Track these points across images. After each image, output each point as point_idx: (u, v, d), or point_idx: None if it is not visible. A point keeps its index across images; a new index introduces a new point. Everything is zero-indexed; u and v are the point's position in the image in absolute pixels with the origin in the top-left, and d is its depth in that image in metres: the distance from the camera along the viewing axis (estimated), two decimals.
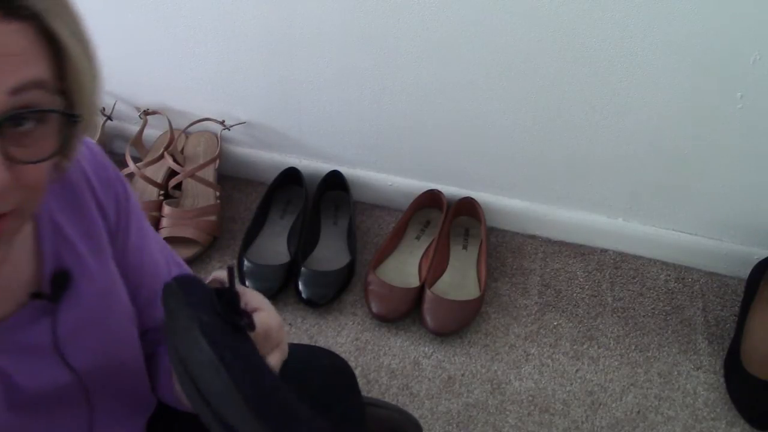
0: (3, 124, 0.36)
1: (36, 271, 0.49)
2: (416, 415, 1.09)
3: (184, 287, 0.48)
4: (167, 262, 0.64)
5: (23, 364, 0.48)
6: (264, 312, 0.52)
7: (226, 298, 0.50)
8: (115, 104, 1.43)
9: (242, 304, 0.52)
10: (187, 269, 0.68)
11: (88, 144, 0.54)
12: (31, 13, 0.37)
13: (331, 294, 1.25)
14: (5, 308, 0.47)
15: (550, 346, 1.22)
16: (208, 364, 0.43)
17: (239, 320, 0.49)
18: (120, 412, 0.58)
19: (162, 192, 1.38)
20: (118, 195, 0.56)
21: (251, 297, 0.53)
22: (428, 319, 1.20)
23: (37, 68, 0.38)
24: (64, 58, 0.40)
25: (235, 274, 0.54)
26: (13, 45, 0.36)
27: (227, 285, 0.51)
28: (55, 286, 0.49)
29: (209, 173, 1.40)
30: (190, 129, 1.42)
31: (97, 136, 1.43)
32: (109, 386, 0.55)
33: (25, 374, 0.48)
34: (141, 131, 1.42)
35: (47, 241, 0.50)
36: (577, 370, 1.19)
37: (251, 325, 0.50)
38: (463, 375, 1.18)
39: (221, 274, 0.52)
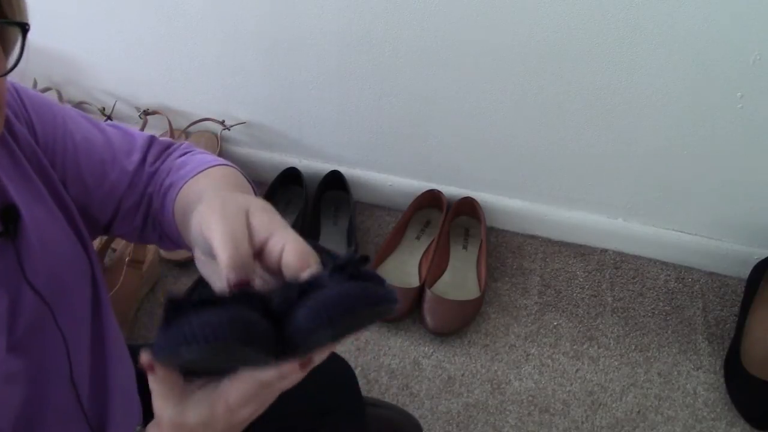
0: None
1: None
2: (416, 415, 1.09)
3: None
4: (102, 133, 0.62)
5: (6, 300, 0.49)
6: (290, 245, 0.39)
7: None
8: (115, 104, 1.43)
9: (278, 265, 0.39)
10: (136, 135, 0.65)
11: None
12: None
13: None
14: None
15: (550, 346, 1.22)
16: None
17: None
18: (89, 337, 0.59)
19: None
20: (26, 118, 0.57)
21: (275, 242, 0.39)
22: (428, 319, 1.20)
23: None
24: None
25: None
26: None
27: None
28: (6, 221, 0.51)
29: None
30: (190, 129, 1.42)
31: None
32: (72, 310, 0.56)
33: (11, 310, 0.50)
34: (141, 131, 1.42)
35: None
36: (577, 370, 1.19)
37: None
38: (463, 375, 1.18)
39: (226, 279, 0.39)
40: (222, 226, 0.39)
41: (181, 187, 0.57)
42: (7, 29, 0.44)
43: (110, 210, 0.62)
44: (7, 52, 0.45)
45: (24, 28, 0.44)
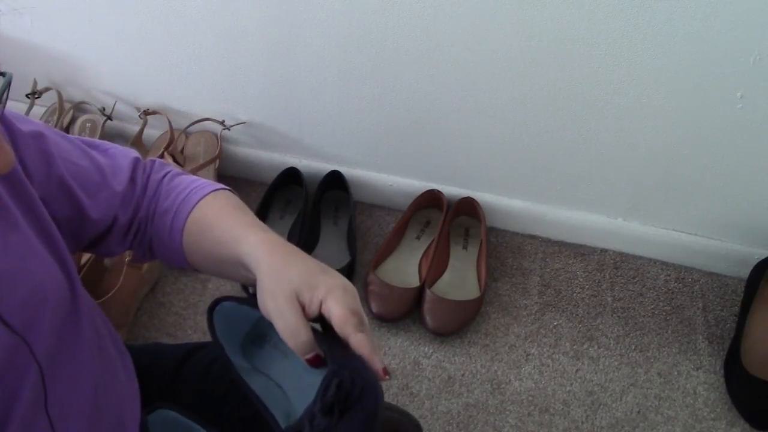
0: None
1: None
2: (416, 415, 1.09)
3: None
4: (88, 157, 0.63)
5: None
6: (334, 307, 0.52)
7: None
8: (115, 104, 1.43)
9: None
10: (120, 156, 0.67)
11: None
12: None
13: None
14: None
15: (550, 346, 1.22)
16: None
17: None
18: (70, 362, 0.56)
19: None
20: (10, 132, 0.56)
21: (324, 309, 0.52)
22: (428, 319, 1.20)
23: None
24: None
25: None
26: None
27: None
28: None
29: (209, 173, 1.40)
30: (190, 129, 1.42)
31: (98, 136, 1.43)
32: (49, 337, 0.53)
33: None
34: (141, 131, 1.42)
35: None
36: (577, 370, 1.19)
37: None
38: (463, 375, 1.18)
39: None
40: (281, 323, 0.51)
41: (188, 214, 0.62)
42: None
43: (103, 226, 0.63)
44: None
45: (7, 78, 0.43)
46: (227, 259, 0.59)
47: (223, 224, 0.60)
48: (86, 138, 0.66)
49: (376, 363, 0.51)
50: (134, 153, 0.68)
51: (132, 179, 0.66)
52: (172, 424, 0.55)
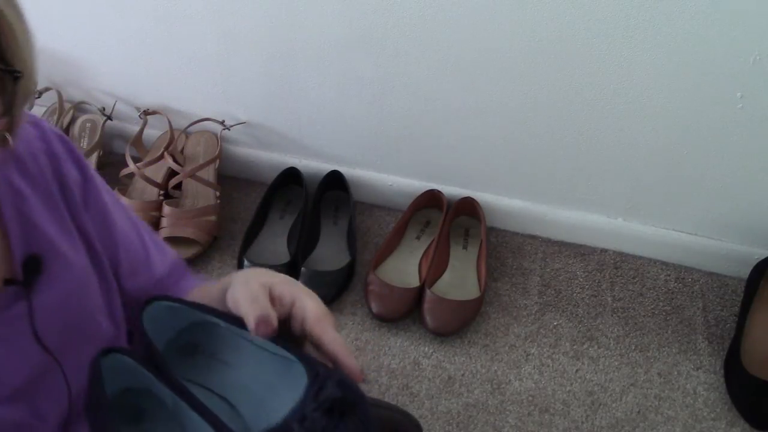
0: None
1: (5, 258, 0.49)
2: (416, 415, 1.09)
3: None
4: (138, 236, 0.65)
5: (3, 352, 0.48)
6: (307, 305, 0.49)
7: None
8: (115, 104, 1.43)
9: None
10: (167, 249, 0.68)
11: (43, 124, 0.55)
12: None
13: (331, 294, 1.25)
14: None
15: (550, 346, 1.22)
16: None
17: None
18: None
19: (162, 192, 1.38)
20: (81, 170, 0.57)
21: (296, 308, 0.50)
22: (428, 319, 1.20)
23: None
24: None
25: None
26: None
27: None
28: (27, 272, 0.49)
29: (209, 173, 1.40)
30: (190, 129, 1.42)
31: (98, 136, 1.43)
32: (81, 361, 0.54)
33: (7, 362, 0.48)
34: (141, 131, 1.42)
35: (13, 227, 0.50)
36: (577, 370, 1.19)
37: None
38: (463, 375, 1.18)
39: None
40: (245, 294, 0.47)
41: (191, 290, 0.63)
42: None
43: (124, 299, 0.64)
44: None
45: (12, 75, 0.42)
46: (214, 300, 0.59)
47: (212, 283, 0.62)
48: (138, 219, 0.68)
49: (352, 362, 0.49)
50: (178, 256, 0.70)
51: (170, 274, 0.67)
52: (123, 369, 0.51)
